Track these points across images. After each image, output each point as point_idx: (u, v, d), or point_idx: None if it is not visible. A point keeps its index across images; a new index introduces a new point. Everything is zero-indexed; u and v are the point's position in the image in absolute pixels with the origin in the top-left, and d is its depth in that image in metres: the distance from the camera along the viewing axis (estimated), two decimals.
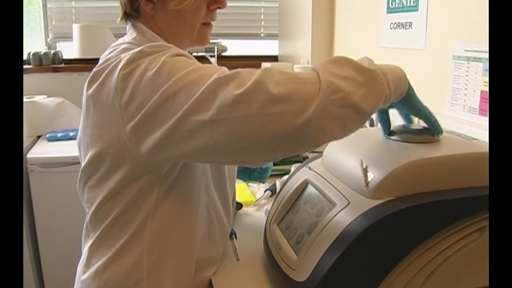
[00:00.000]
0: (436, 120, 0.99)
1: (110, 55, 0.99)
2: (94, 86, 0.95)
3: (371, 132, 1.08)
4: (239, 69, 0.81)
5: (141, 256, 0.99)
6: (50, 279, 2.45)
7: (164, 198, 0.98)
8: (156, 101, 0.85)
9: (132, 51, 0.91)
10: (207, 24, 1.10)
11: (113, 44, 1.06)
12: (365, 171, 0.89)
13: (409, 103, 0.95)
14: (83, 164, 1.03)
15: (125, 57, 0.91)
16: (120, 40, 1.08)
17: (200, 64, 0.88)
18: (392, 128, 1.04)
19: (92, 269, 1.02)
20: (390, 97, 0.86)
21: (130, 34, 1.08)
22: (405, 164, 0.87)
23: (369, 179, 0.88)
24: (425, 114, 0.98)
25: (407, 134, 0.99)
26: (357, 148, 0.98)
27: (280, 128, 0.76)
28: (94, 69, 0.97)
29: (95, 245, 1.03)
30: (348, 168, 0.95)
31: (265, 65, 2.79)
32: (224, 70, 0.83)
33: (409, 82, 0.93)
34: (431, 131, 0.99)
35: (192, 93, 0.81)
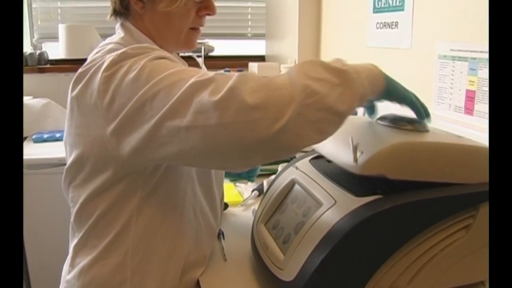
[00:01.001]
0: (422, 105, 0.99)
1: (97, 55, 0.98)
2: (78, 87, 0.95)
3: (363, 119, 1.09)
4: (216, 74, 0.81)
5: (125, 257, 0.98)
6: (37, 280, 2.43)
7: (148, 199, 0.98)
8: (134, 104, 0.85)
9: (115, 53, 0.91)
10: (195, 29, 1.10)
11: (101, 44, 1.06)
12: (355, 148, 0.88)
13: (390, 95, 0.95)
14: (68, 164, 1.02)
15: (109, 58, 0.91)
16: (108, 40, 1.08)
17: (182, 66, 0.88)
18: (384, 114, 1.04)
19: (77, 268, 1.01)
20: (366, 95, 0.86)
21: (118, 33, 1.08)
22: (394, 144, 0.88)
23: (358, 156, 0.87)
24: (410, 101, 0.97)
25: (398, 122, 1.00)
26: (347, 132, 0.96)
27: (256, 135, 0.75)
28: (80, 70, 0.97)
29: (79, 244, 1.03)
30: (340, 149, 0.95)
31: (252, 65, 2.79)
32: (203, 74, 0.82)
33: (387, 76, 0.93)
34: (418, 117, 1.00)
35: (169, 97, 0.81)
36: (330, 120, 0.80)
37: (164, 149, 0.84)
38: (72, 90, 0.97)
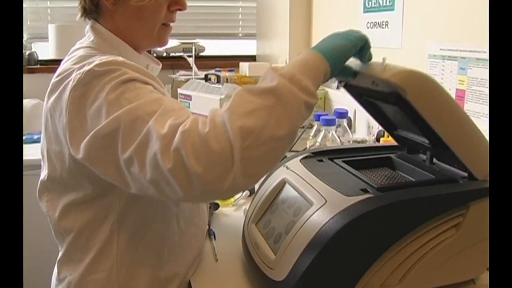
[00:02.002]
0: (367, 54, 0.95)
1: (66, 64, 0.97)
2: (51, 99, 0.94)
3: None
4: (168, 124, 0.79)
5: (110, 272, 0.98)
6: (36, 280, 2.41)
7: (128, 212, 0.98)
8: (95, 135, 0.84)
9: (82, 70, 0.89)
10: (166, 25, 1.10)
11: (72, 49, 1.05)
12: (384, 59, 0.90)
13: (341, 66, 0.90)
14: (42, 176, 1.03)
15: (76, 75, 0.89)
16: (78, 44, 1.06)
17: (145, 93, 0.86)
18: None
19: (64, 283, 1.02)
20: (311, 94, 0.81)
21: (88, 36, 1.06)
22: (421, 72, 0.90)
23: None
24: (358, 54, 0.94)
25: None
26: None
27: (212, 195, 0.80)
28: (53, 80, 0.96)
29: (63, 258, 1.04)
30: None
31: (243, 65, 2.79)
32: (159, 115, 0.81)
33: (327, 53, 0.86)
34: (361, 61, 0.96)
35: (127, 141, 0.81)
36: (276, 147, 0.78)
37: (126, 186, 0.85)
38: (47, 102, 0.96)
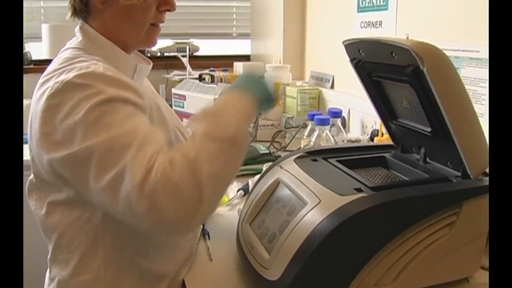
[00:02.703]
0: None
1: (52, 65, 0.98)
2: (33, 101, 0.95)
3: None
4: (143, 165, 0.82)
5: (98, 272, 0.99)
6: (34, 280, 2.40)
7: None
8: (68, 158, 0.86)
9: (60, 79, 0.90)
10: (155, 26, 1.10)
11: (62, 49, 1.06)
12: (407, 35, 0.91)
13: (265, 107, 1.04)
14: (31, 175, 1.03)
15: (54, 84, 0.90)
16: (67, 44, 1.07)
17: (122, 121, 0.88)
18: None
19: (55, 282, 1.02)
20: (245, 140, 0.93)
21: (76, 37, 1.06)
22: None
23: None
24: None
25: None
26: None
27: (171, 233, 0.91)
28: (39, 81, 0.97)
29: (52, 257, 1.04)
30: None
31: (237, 65, 2.79)
32: (136, 150, 0.84)
33: (256, 102, 0.99)
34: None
35: (101, 171, 0.84)
36: (231, 181, 0.94)
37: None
38: (32, 103, 0.97)
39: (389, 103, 1.11)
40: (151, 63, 1.18)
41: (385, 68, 0.98)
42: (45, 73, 0.97)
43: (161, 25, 1.11)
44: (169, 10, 1.09)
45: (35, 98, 0.95)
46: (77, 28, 1.07)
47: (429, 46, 0.89)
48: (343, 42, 1.09)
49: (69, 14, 1.08)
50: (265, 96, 1.02)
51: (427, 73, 0.87)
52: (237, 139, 0.89)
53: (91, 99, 0.87)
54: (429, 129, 0.99)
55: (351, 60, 1.09)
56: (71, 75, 0.90)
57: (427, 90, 0.90)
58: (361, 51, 1.04)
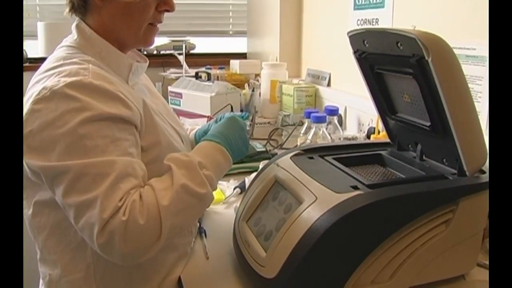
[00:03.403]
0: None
1: (46, 63, 0.98)
2: (27, 94, 0.95)
3: None
4: (114, 202, 0.86)
5: (87, 271, 0.99)
6: (34, 279, 2.40)
7: None
8: (42, 169, 0.88)
9: (49, 85, 0.90)
10: (153, 26, 1.09)
11: (58, 46, 1.06)
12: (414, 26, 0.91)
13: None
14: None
15: (42, 90, 0.90)
16: (63, 41, 1.07)
17: (104, 147, 0.89)
18: None
19: (46, 281, 1.03)
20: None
21: (72, 35, 1.06)
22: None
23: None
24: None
25: None
26: None
27: (123, 263, 0.91)
28: (34, 78, 0.97)
29: (41, 257, 1.05)
30: None
31: (233, 62, 2.79)
32: (110, 184, 0.87)
33: (230, 158, 1.06)
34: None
35: (71, 191, 0.86)
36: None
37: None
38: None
39: (389, 97, 1.11)
40: (148, 61, 1.18)
41: (389, 59, 0.98)
42: (38, 71, 0.97)
43: None
44: (168, 11, 1.09)
45: (26, 97, 0.95)
46: (73, 26, 1.07)
47: (435, 37, 0.89)
48: (347, 33, 1.08)
49: (67, 10, 1.07)
50: (242, 147, 1.10)
51: (431, 63, 0.86)
52: (207, 197, 0.96)
53: (75, 114, 0.87)
54: (428, 124, 0.99)
55: (354, 52, 1.09)
56: (59, 83, 0.89)
57: (430, 81, 0.90)
58: (365, 42, 1.03)
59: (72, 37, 1.05)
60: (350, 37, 1.08)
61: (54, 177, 0.87)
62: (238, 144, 1.09)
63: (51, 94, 0.88)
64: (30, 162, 0.89)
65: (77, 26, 1.05)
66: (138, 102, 0.99)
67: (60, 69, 0.93)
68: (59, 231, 0.99)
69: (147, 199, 0.88)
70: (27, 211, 1.03)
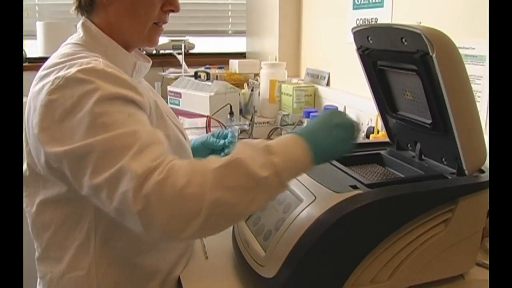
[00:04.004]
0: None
1: (52, 59, 0.98)
2: (32, 94, 0.94)
3: None
4: (144, 165, 0.81)
5: (89, 270, 0.99)
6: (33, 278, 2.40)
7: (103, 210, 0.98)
8: (67, 153, 0.85)
9: (61, 74, 0.89)
10: (158, 25, 1.09)
11: (63, 44, 1.05)
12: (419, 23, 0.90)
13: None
14: (24, 168, 1.03)
15: (55, 80, 0.89)
16: (69, 39, 1.06)
17: (123, 120, 0.87)
18: None
19: (46, 280, 1.03)
20: (284, 190, 0.85)
21: (78, 33, 1.06)
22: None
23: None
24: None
25: None
26: None
27: (165, 238, 0.86)
28: (38, 73, 0.96)
29: (42, 256, 1.04)
30: None
31: (232, 62, 2.78)
32: (136, 151, 0.83)
33: (315, 157, 0.86)
34: None
35: (98, 169, 0.83)
36: (235, 220, 0.91)
37: (89, 198, 0.88)
38: (29, 96, 0.96)
39: (390, 94, 1.11)
40: (150, 61, 1.18)
41: (393, 55, 0.98)
42: (44, 66, 0.97)
43: None
44: (173, 11, 1.09)
45: (34, 91, 0.94)
46: (79, 24, 1.07)
47: (440, 33, 0.89)
48: (352, 30, 1.08)
49: (73, 8, 1.07)
50: (334, 147, 0.89)
51: (435, 58, 0.86)
52: (267, 183, 0.81)
53: (91, 96, 0.86)
54: (429, 121, 0.99)
55: (358, 49, 1.09)
56: (72, 70, 0.89)
57: (433, 78, 0.90)
58: (369, 38, 1.03)
59: (78, 35, 1.05)
60: (354, 33, 1.08)
61: (80, 160, 0.84)
62: (328, 141, 0.89)
63: (65, 82, 0.88)
64: (54, 151, 0.87)
65: (83, 24, 1.05)
66: (146, 95, 0.99)
67: (70, 62, 0.92)
68: (65, 229, 0.99)
69: (192, 164, 0.82)
70: (30, 209, 1.02)
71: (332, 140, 0.88)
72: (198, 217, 0.78)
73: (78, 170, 0.85)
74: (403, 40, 0.92)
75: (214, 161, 0.82)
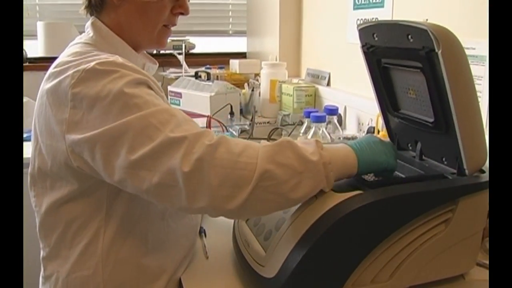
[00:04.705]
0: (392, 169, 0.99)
1: (63, 57, 0.97)
2: (48, 90, 0.93)
3: None
4: (188, 133, 0.82)
5: (96, 269, 0.99)
6: (33, 278, 2.40)
7: (113, 209, 0.98)
8: (100, 136, 0.84)
9: (81, 68, 0.89)
10: (167, 27, 1.11)
11: (71, 44, 1.05)
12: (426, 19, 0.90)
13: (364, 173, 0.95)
14: (30, 168, 1.03)
15: (75, 73, 0.89)
16: (77, 39, 1.07)
17: (154, 101, 0.87)
18: None
19: (52, 280, 1.02)
20: (327, 186, 0.86)
21: (87, 32, 1.06)
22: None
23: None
24: (383, 172, 0.99)
25: None
26: None
27: (212, 208, 0.81)
28: (50, 70, 0.95)
29: (49, 255, 1.04)
30: None
31: (233, 62, 2.78)
32: (176, 124, 0.83)
33: (361, 164, 0.91)
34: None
35: (136, 145, 0.82)
36: (279, 203, 0.84)
37: (122, 184, 0.86)
38: (41, 92, 0.96)
39: (393, 93, 1.11)
40: (157, 63, 1.19)
41: (398, 52, 0.98)
42: (56, 64, 0.96)
43: None
44: (182, 14, 1.11)
45: (47, 88, 0.93)
46: (88, 24, 1.07)
47: (446, 30, 0.88)
48: (357, 27, 1.08)
49: (82, 7, 1.08)
50: (377, 157, 0.94)
51: (441, 55, 0.86)
52: (316, 169, 0.83)
53: (117, 81, 0.87)
54: (431, 120, 0.99)
55: (363, 46, 1.09)
56: (93, 63, 0.89)
57: (437, 74, 0.90)
58: (375, 35, 1.03)
59: (87, 35, 1.05)
60: (360, 30, 1.08)
61: (116, 140, 0.83)
62: (373, 151, 0.94)
63: (86, 74, 0.88)
64: (85, 136, 0.85)
65: (93, 24, 1.05)
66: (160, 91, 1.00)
67: (87, 59, 0.92)
68: (74, 229, 0.98)
69: (244, 140, 0.84)
70: (39, 209, 1.02)
71: (377, 150, 0.94)
72: (247, 186, 0.79)
73: (112, 152, 0.84)
74: (409, 36, 0.92)
75: (264, 142, 0.85)
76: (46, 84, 0.95)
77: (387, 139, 1.21)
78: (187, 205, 0.81)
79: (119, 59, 0.93)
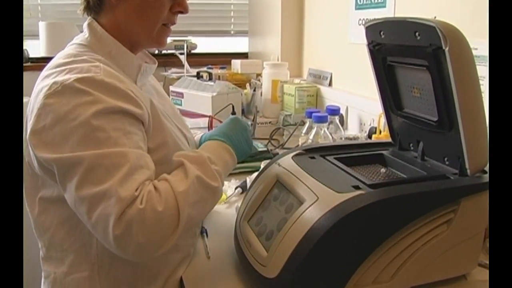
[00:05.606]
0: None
1: (55, 59, 0.98)
2: (33, 94, 0.95)
3: None
4: (128, 192, 0.85)
5: (92, 271, 0.99)
6: (33, 278, 2.39)
7: None
8: (57, 161, 0.87)
9: (60, 80, 0.90)
10: (167, 27, 1.10)
11: (68, 44, 1.06)
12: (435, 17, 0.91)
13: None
14: (24, 167, 1.03)
15: (52, 84, 0.90)
16: (74, 39, 1.07)
17: (117, 139, 0.88)
18: None
19: (50, 280, 1.03)
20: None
21: (83, 33, 1.06)
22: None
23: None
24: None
25: None
26: None
27: (134, 257, 0.88)
28: (44, 73, 0.97)
29: (46, 256, 1.05)
30: None
31: (235, 62, 2.78)
32: (124, 174, 0.86)
33: (236, 157, 1.10)
34: None
35: (85, 182, 0.85)
36: (203, 214, 1.00)
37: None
38: (38, 86, 0.97)
39: (397, 91, 1.11)
40: (156, 62, 1.18)
41: (404, 50, 0.98)
42: (48, 66, 0.97)
43: None
44: (182, 13, 1.10)
45: (34, 92, 0.95)
46: (85, 24, 1.07)
47: (454, 28, 0.88)
48: (364, 24, 1.08)
49: (81, 8, 1.08)
50: (246, 147, 1.13)
51: (448, 53, 0.86)
52: (219, 191, 0.98)
53: (88, 107, 0.87)
54: (435, 118, 0.99)
55: (369, 44, 1.08)
56: (70, 77, 0.89)
57: (443, 72, 0.90)
58: (382, 32, 1.03)
59: (83, 36, 1.06)
60: (367, 28, 1.08)
61: (68, 169, 0.86)
62: (242, 143, 1.11)
63: (62, 88, 0.89)
64: (43, 156, 0.88)
65: (89, 25, 1.05)
66: (146, 102, 0.99)
67: (71, 66, 0.93)
68: (65, 230, 0.99)
69: (164, 189, 0.89)
70: (32, 209, 1.03)
71: (244, 141, 1.12)
72: (175, 233, 0.88)
73: (65, 179, 0.87)
74: (417, 34, 0.92)
75: (180, 179, 0.92)
76: (36, 86, 0.97)
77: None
78: (114, 251, 0.87)
79: (100, 74, 0.93)
